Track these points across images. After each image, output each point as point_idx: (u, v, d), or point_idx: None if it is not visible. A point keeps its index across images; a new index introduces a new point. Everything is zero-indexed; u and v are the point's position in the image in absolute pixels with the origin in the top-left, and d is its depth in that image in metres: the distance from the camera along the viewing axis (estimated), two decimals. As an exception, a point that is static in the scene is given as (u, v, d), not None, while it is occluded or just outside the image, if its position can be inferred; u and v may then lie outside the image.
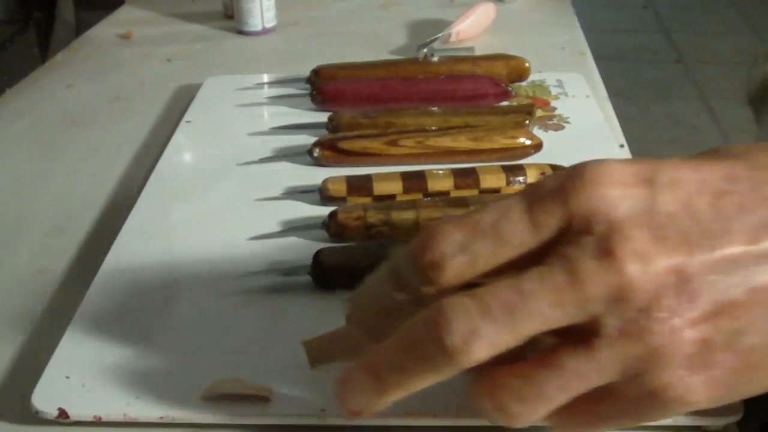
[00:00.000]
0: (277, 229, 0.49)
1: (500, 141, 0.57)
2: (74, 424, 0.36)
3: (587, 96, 0.66)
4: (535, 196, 0.29)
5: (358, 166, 0.56)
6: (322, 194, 0.52)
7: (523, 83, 0.69)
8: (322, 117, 0.62)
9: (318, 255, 0.44)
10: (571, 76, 0.70)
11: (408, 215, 0.47)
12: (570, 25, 0.91)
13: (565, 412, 0.29)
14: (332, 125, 0.61)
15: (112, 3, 1.00)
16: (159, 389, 0.37)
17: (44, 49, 0.82)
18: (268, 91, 0.71)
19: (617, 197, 0.28)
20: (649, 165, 0.29)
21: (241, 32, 0.90)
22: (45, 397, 0.36)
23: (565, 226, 0.28)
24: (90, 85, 0.78)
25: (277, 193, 0.53)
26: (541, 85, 0.69)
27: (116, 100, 0.75)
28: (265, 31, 0.90)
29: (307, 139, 0.59)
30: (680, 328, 0.27)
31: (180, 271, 0.46)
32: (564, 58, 0.81)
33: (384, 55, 0.82)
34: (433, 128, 0.58)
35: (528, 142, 0.57)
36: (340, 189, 0.52)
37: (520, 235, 0.29)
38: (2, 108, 0.73)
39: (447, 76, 0.68)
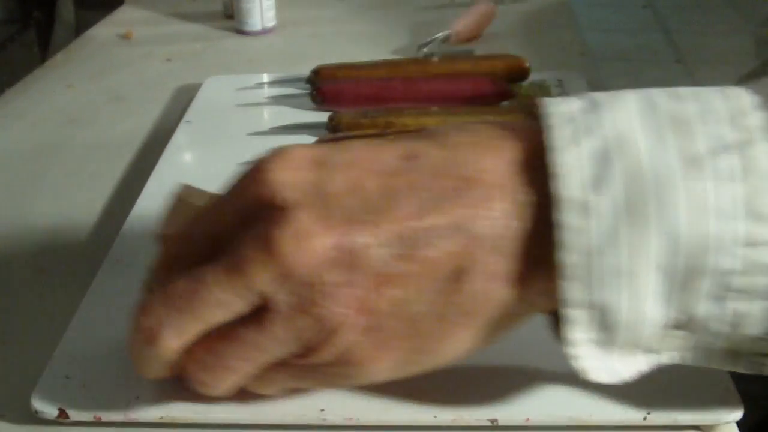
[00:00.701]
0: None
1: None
2: (74, 424, 0.36)
3: (587, 96, 0.66)
4: (226, 190, 0.32)
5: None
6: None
7: (523, 83, 0.69)
8: (322, 117, 0.62)
9: None
10: (572, 76, 0.70)
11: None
12: (570, 25, 0.91)
13: (264, 376, 0.32)
14: (332, 125, 0.61)
15: (112, 3, 0.99)
16: (159, 389, 0.36)
17: (44, 49, 0.82)
18: (268, 91, 0.71)
19: (287, 181, 0.30)
20: (328, 149, 0.31)
21: (240, 32, 0.90)
22: (45, 398, 0.36)
23: (246, 214, 0.31)
24: (90, 85, 0.78)
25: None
26: (541, 85, 0.69)
27: (116, 100, 0.75)
28: (264, 31, 0.89)
29: (307, 139, 0.59)
30: (346, 298, 0.29)
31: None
32: (564, 58, 0.81)
33: (384, 55, 0.82)
34: (433, 128, 0.58)
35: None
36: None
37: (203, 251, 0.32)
38: (2, 108, 0.73)
39: (447, 76, 0.68)
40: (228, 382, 0.32)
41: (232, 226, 0.31)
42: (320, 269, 0.29)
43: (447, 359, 0.32)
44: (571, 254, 0.29)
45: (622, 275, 0.29)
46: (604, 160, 0.29)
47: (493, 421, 0.34)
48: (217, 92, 0.70)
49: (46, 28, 0.83)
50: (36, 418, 0.36)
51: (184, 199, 0.38)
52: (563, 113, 0.30)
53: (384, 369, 0.31)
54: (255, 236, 0.30)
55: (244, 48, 0.87)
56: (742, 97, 0.30)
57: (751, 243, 0.28)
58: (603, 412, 0.34)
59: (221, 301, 0.30)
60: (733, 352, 0.31)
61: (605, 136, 0.29)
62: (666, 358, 0.32)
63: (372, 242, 0.29)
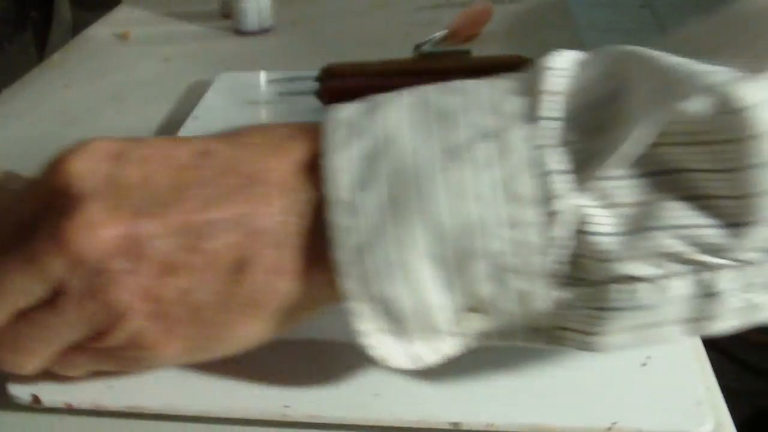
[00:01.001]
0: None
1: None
2: (47, 411, 0.36)
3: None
4: (32, 179, 0.34)
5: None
6: None
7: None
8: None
9: None
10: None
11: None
12: (567, 24, 0.91)
13: (65, 359, 0.34)
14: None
15: (109, 3, 0.99)
16: (131, 379, 0.37)
17: (41, 48, 0.82)
18: (278, 89, 0.71)
19: (82, 172, 0.31)
20: (128, 142, 0.33)
21: (237, 32, 0.90)
22: (20, 384, 0.37)
23: (46, 202, 0.32)
24: (87, 84, 0.78)
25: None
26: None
27: (114, 99, 0.75)
28: (262, 31, 0.89)
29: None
30: (131, 285, 0.31)
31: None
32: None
33: (380, 55, 0.81)
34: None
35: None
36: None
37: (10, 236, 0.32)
38: (-1, 108, 0.73)
39: (445, 75, 0.68)
40: (30, 363, 0.34)
41: (34, 214, 0.32)
42: (107, 257, 0.30)
43: (238, 346, 0.34)
44: (343, 251, 0.30)
45: (395, 267, 0.30)
46: (371, 159, 0.30)
47: (455, 424, 0.34)
48: (227, 89, 0.70)
49: (43, 28, 0.82)
50: (11, 405, 0.36)
51: (2, 185, 0.39)
52: (341, 118, 0.32)
53: (173, 354, 0.33)
54: (48, 226, 0.31)
55: (241, 47, 0.87)
56: (505, 85, 0.31)
57: (514, 224, 0.29)
58: (567, 420, 0.34)
59: (21, 289, 0.31)
60: (533, 329, 0.32)
61: (375, 136, 0.31)
62: (470, 340, 0.32)
63: (157, 233, 0.31)
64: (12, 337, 0.33)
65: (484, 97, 0.31)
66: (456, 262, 0.30)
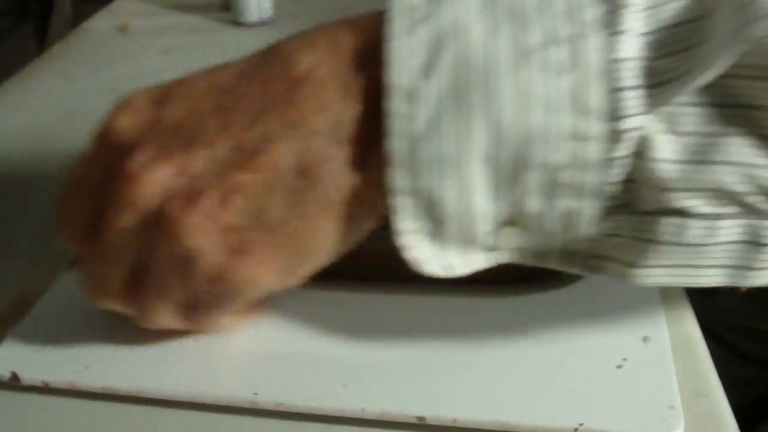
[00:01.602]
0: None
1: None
2: (26, 390, 0.37)
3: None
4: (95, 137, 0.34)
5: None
6: None
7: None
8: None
9: None
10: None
11: None
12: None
13: (177, 315, 0.34)
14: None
15: (109, -6, 0.99)
16: (109, 361, 0.37)
17: (41, 41, 0.82)
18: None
19: (127, 125, 0.32)
20: (167, 86, 0.33)
21: (237, 23, 0.90)
22: (2, 361, 0.37)
23: (104, 162, 0.32)
24: (87, 77, 0.78)
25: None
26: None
27: (114, 92, 0.74)
28: (262, 23, 0.89)
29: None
30: (198, 223, 0.30)
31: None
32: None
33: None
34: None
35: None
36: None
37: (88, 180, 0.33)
38: (-1, 100, 0.73)
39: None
40: (158, 318, 0.34)
41: (97, 181, 0.33)
42: (168, 196, 0.30)
43: (326, 253, 0.33)
44: (397, 141, 0.29)
45: (447, 164, 0.29)
46: (437, 48, 0.29)
47: (421, 418, 0.34)
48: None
49: (42, 19, 0.83)
50: None
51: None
52: (405, 3, 0.30)
53: (271, 280, 0.32)
54: (110, 188, 0.31)
55: (241, 39, 0.87)
56: None
57: (577, 137, 0.28)
58: (533, 419, 0.33)
59: (112, 254, 0.32)
60: (569, 253, 0.31)
61: (441, 25, 0.29)
62: (503, 256, 0.32)
63: (209, 161, 0.30)
64: (138, 301, 0.34)
65: (559, 2, 0.29)
66: (510, 169, 0.29)
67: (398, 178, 0.29)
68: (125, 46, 0.86)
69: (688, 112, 0.28)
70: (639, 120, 0.28)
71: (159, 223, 0.30)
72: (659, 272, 0.30)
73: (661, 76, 0.28)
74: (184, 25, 0.92)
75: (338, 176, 0.31)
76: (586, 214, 0.29)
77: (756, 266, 0.30)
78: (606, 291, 0.40)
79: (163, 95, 0.32)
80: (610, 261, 0.31)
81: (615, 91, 0.28)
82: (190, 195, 0.30)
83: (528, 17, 0.29)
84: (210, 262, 0.31)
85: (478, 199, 0.29)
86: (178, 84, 0.33)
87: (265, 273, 0.32)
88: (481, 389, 0.35)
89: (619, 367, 0.36)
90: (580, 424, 0.33)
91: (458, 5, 0.29)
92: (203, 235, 0.30)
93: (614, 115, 0.28)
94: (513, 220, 0.30)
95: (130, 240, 0.31)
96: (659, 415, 0.33)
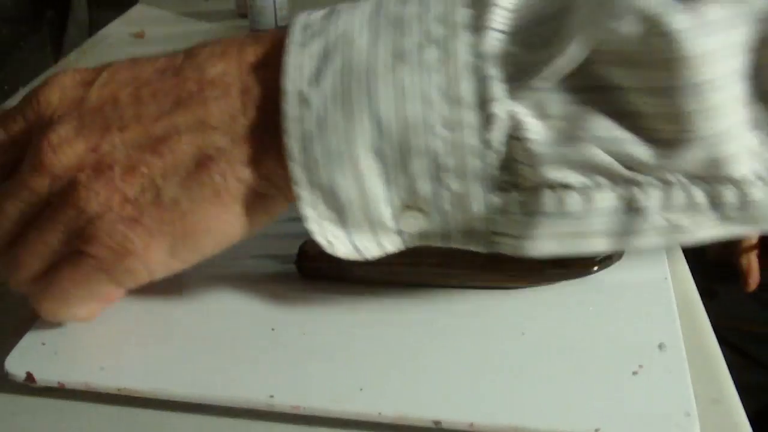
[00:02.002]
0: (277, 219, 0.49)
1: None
2: (42, 391, 0.37)
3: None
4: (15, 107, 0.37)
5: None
6: None
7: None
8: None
9: (303, 245, 0.44)
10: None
11: None
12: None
13: (45, 280, 0.36)
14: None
15: (125, 2, 1.00)
16: (124, 362, 0.37)
17: (57, 48, 0.83)
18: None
19: (53, 100, 0.35)
20: (96, 70, 0.36)
21: (254, 31, 0.90)
22: (18, 362, 0.37)
23: (27, 128, 0.36)
24: (103, 83, 0.79)
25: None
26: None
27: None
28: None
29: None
30: (101, 192, 0.34)
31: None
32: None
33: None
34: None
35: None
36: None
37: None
38: (15, 106, 0.73)
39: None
40: (24, 276, 0.37)
41: (15, 143, 0.36)
42: (80, 168, 0.34)
43: (219, 241, 0.36)
44: (292, 140, 0.33)
45: (337, 157, 0.32)
46: (325, 57, 0.33)
47: (437, 422, 0.34)
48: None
49: (59, 26, 0.83)
50: (7, 383, 0.37)
51: None
52: (304, 21, 0.34)
53: (160, 256, 0.35)
54: (30, 152, 0.35)
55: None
56: None
57: (452, 124, 0.31)
58: (549, 424, 0.33)
59: (15, 210, 0.36)
60: (469, 232, 0.34)
61: (330, 38, 0.33)
62: (410, 239, 0.35)
63: (119, 144, 0.34)
64: (12, 255, 0.36)
65: (437, 8, 0.33)
66: (397, 158, 0.32)
67: (296, 172, 0.33)
68: (141, 53, 0.86)
69: (553, 97, 0.31)
70: (507, 106, 0.31)
71: (67, 189, 0.34)
72: (549, 243, 0.33)
73: (524, 66, 0.31)
74: (199, 33, 0.92)
75: (231, 169, 0.34)
76: (474, 196, 0.32)
77: (635, 230, 0.32)
78: (621, 298, 0.40)
79: (91, 78, 0.36)
80: (505, 236, 0.33)
81: (482, 80, 0.31)
82: (99, 167, 0.34)
83: (406, 24, 0.33)
84: (106, 226, 0.34)
85: (373, 186, 0.33)
86: (106, 70, 0.36)
87: (154, 246, 0.35)
88: (497, 394, 0.35)
89: (635, 373, 0.35)
90: (596, 430, 0.33)
91: (347, 20, 0.34)
92: (105, 202, 0.34)
93: (483, 102, 0.31)
94: (411, 205, 0.33)
95: (35, 200, 0.35)
96: (675, 422, 0.33)
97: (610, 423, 0.33)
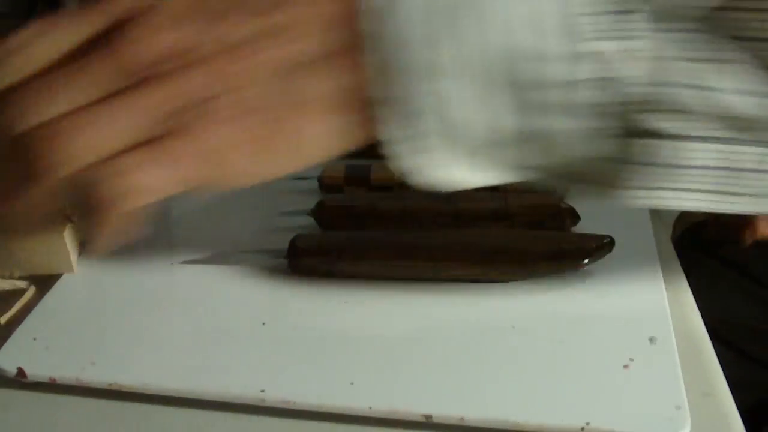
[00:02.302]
0: (269, 213, 0.50)
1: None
2: (33, 386, 0.37)
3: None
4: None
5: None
6: (321, 183, 0.53)
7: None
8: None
9: (294, 240, 0.44)
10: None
11: (395, 204, 0.47)
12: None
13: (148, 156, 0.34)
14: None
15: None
16: (115, 357, 0.37)
17: (48, 42, 0.82)
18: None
19: None
20: None
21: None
22: (9, 357, 0.37)
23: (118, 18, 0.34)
24: (94, 78, 0.78)
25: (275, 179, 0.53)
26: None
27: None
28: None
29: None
30: (193, 83, 0.33)
31: (161, 245, 0.47)
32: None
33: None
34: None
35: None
36: (337, 177, 0.52)
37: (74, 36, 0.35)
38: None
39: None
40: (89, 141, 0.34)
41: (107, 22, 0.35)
42: (165, 58, 0.33)
43: (307, 152, 0.34)
44: (378, 51, 0.31)
45: (426, 75, 0.31)
46: None
47: (428, 416, 0.34)
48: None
49: (50, 21, 0.83)
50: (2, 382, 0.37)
51: None
52: None
53: (246, 153, 0.34)
54: (128, 29, 0.33)
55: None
56: None
57: (535, 57, 0.30)
58: (540, 418, 0.33)
59: (102, 80, 0.33)
60: (558, 174, 0.33)
61: None
62: (505, 173, 0.33)
63: (206, 40, 0.33)
64: (83, 120, 0.34)
65: None
66: (485, 87, 0.31)
67: (380, 86, 0.32)
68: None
69: (649, 36, 0.29)
70: (599, 45, 0.29)
71: (157, 69, 0.33)
72: (641, 194, 0.32)
73: (621, 4, 0.29)
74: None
75: (319, 77, 0.33)
76: (558, 133, 0.31)
77: (736, 191, 0.31)
78: (612, 292, 0.40)
79: None
80: (595, 183, 0.32)
81: (572, 15, 0.30)
82: (188, 62, 0.33)
83: None
84: (191, 119, 0.33)
85: (457, 111, 0.31)
86: None
87: (239, 147, 0.33)
88: (487, 388, 0.35)
89: (625, 367, 0.35)
90: (587, 424, 0.33)
91: None
92: (196, 92, 0.33)
93: (571, 37, 0.30)
94: (495, 137, 0.32)
95: (120, 82, 0.33)
96: (666, 415, 0.33)
97: (601, 416, 0.33)
